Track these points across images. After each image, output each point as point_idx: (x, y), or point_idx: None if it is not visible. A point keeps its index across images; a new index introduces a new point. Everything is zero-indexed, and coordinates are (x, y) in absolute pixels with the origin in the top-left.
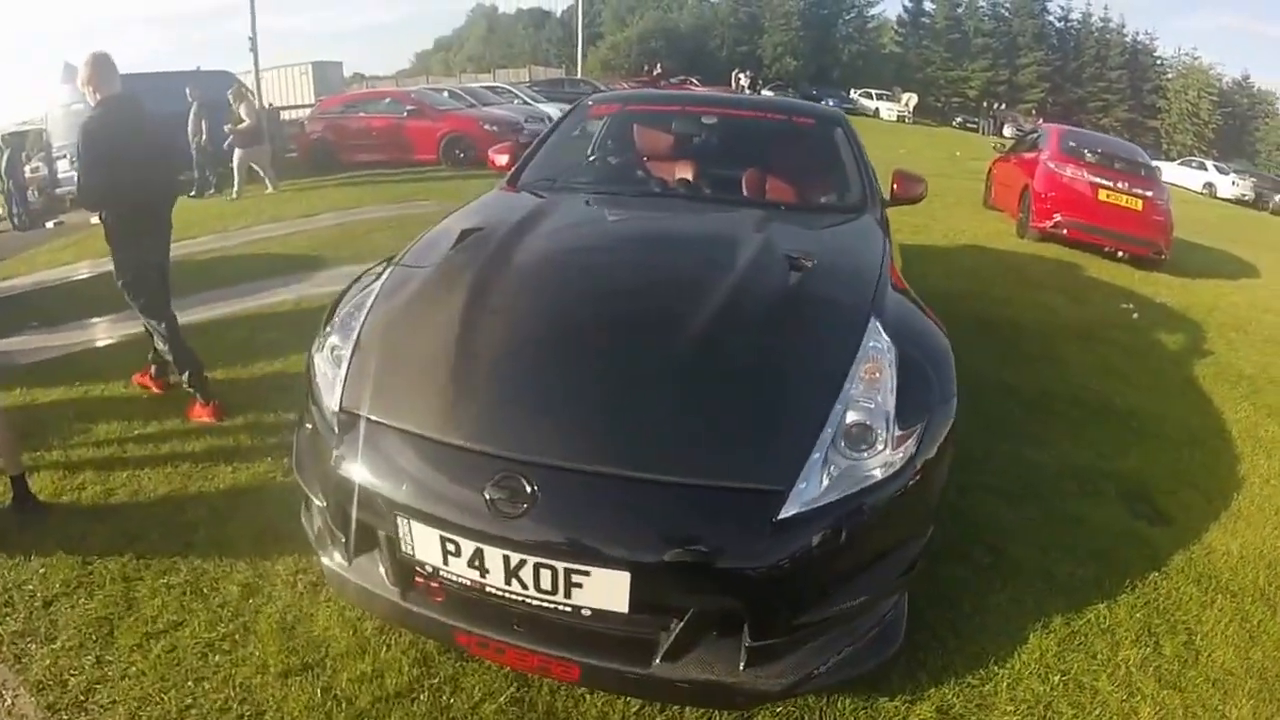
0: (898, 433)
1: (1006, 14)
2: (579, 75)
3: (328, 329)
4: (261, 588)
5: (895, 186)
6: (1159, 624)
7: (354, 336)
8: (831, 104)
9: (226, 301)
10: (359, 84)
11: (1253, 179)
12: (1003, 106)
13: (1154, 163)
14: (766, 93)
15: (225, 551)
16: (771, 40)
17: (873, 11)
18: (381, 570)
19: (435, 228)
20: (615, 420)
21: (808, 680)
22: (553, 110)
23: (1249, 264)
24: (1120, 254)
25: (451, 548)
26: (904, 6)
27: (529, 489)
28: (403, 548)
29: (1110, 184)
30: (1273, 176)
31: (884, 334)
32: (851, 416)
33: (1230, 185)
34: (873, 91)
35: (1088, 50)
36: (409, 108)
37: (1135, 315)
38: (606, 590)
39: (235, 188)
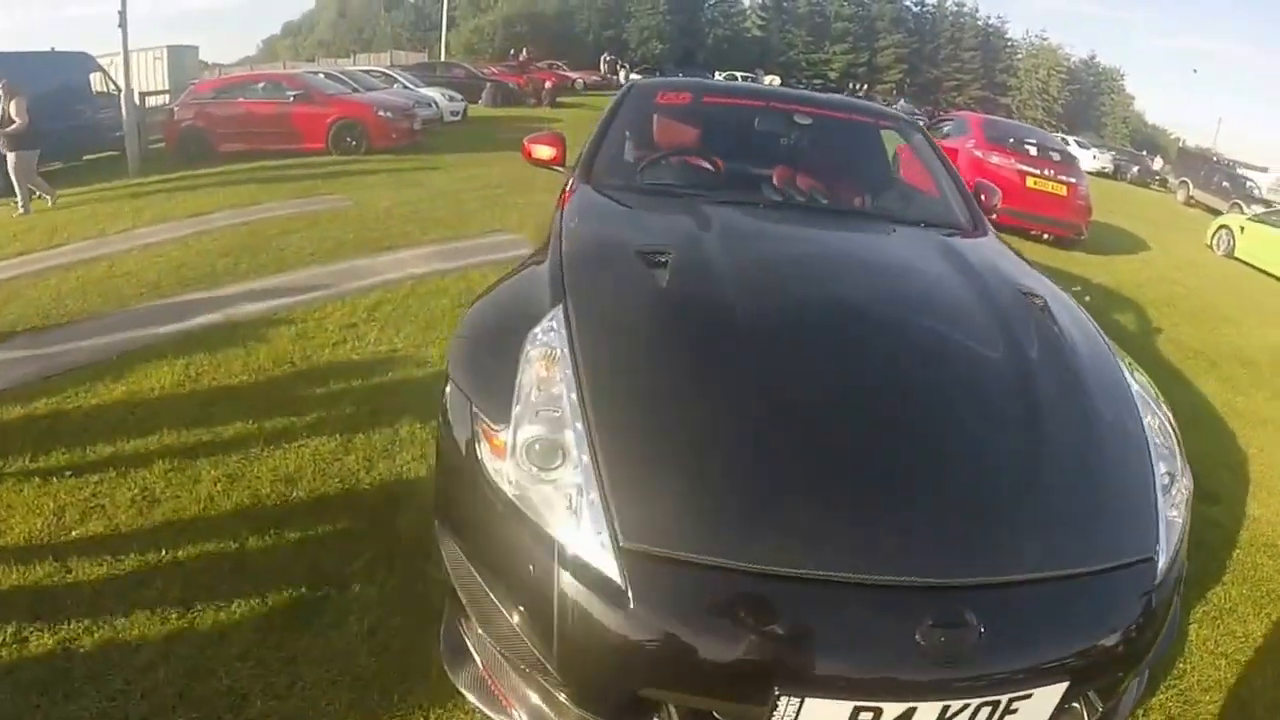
0: (1185, 473)
1: None
2: (442, 59)
3: (504, 417)
4: None
5: (982, 198)
6: (1261, 596)
7: (576, 429)
8: None
9: (134, 328)
10: (207, 71)
11: (1111, 152)
12: (864, 87)
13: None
14: (634, 76)
15: None
16: (638, 24)
17: None
18: None
19: (576, 241)
20: (999, 511)
21: None
22: (436, 95)
23: (1138, 236)
24: (1045, 236)
25: (868, 716)
26: None
27: (972, 620)
28: None
29: (1037, 172)
30: (1129, 150)
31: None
32: (1162, 466)
33: (1092, 159)
34: (737, 74)
35: (943, 33)
36: (294, 92)
37: (1088, 298)
38: (1040, 707)
39: (19, 200)
